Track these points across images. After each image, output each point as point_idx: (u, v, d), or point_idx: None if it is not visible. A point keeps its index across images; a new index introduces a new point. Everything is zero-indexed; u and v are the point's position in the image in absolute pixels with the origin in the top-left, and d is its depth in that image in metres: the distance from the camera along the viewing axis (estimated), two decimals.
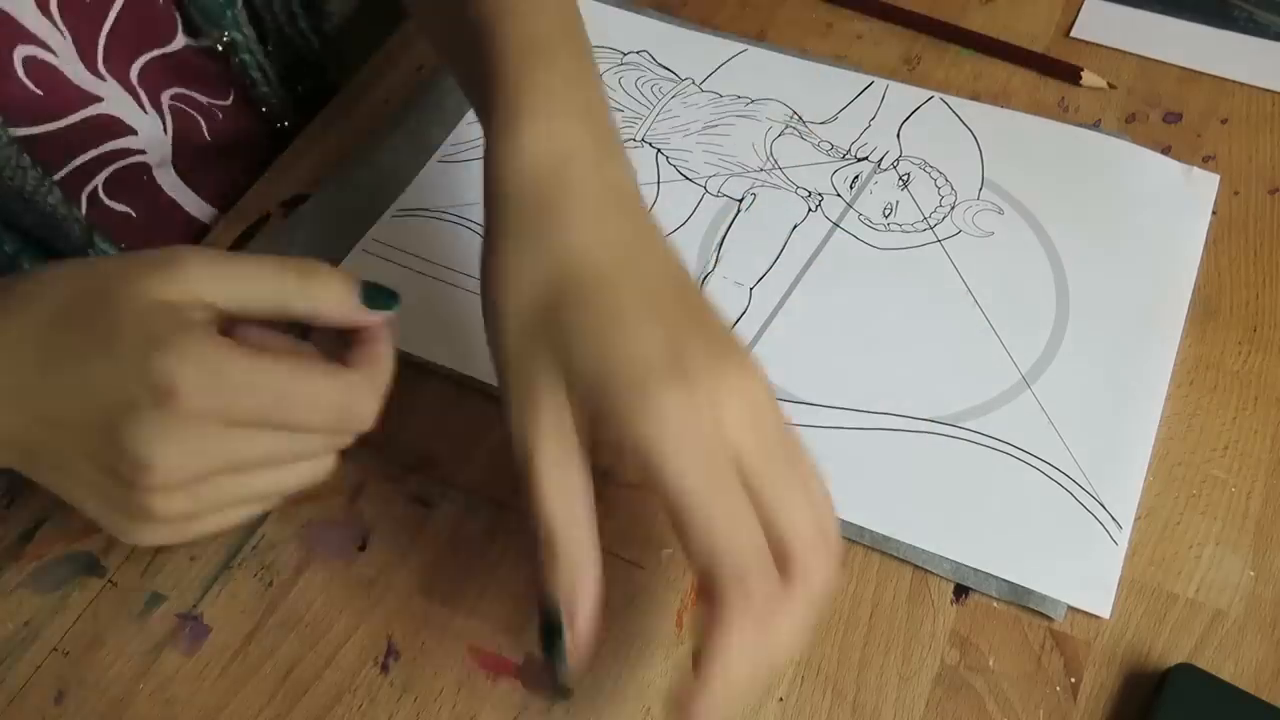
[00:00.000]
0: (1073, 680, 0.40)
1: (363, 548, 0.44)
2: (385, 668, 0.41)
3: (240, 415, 0.33)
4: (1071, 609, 0.42)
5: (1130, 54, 0.61)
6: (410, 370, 0.48)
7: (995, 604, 0.42)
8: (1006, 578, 0.42)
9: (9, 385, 0.35)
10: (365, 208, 0.54)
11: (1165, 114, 0.58)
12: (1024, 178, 0.55)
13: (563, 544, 0.34)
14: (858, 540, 0.44)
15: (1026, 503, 0.44)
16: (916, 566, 0.43)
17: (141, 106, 0.53)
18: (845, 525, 0.44)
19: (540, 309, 0.35)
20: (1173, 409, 0.47)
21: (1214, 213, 0.54)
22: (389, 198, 0.55)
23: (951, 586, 0.42)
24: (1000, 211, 0.54)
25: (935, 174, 0.55)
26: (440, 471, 0.45)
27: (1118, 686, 0.40)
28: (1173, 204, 0.54)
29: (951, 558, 0.43)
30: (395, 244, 0.53)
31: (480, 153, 0.56)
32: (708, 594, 0.32)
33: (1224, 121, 0.58)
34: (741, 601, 0.31)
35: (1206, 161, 0.56)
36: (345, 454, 0.46)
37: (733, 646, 0.31)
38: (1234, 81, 0.59)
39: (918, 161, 0.56)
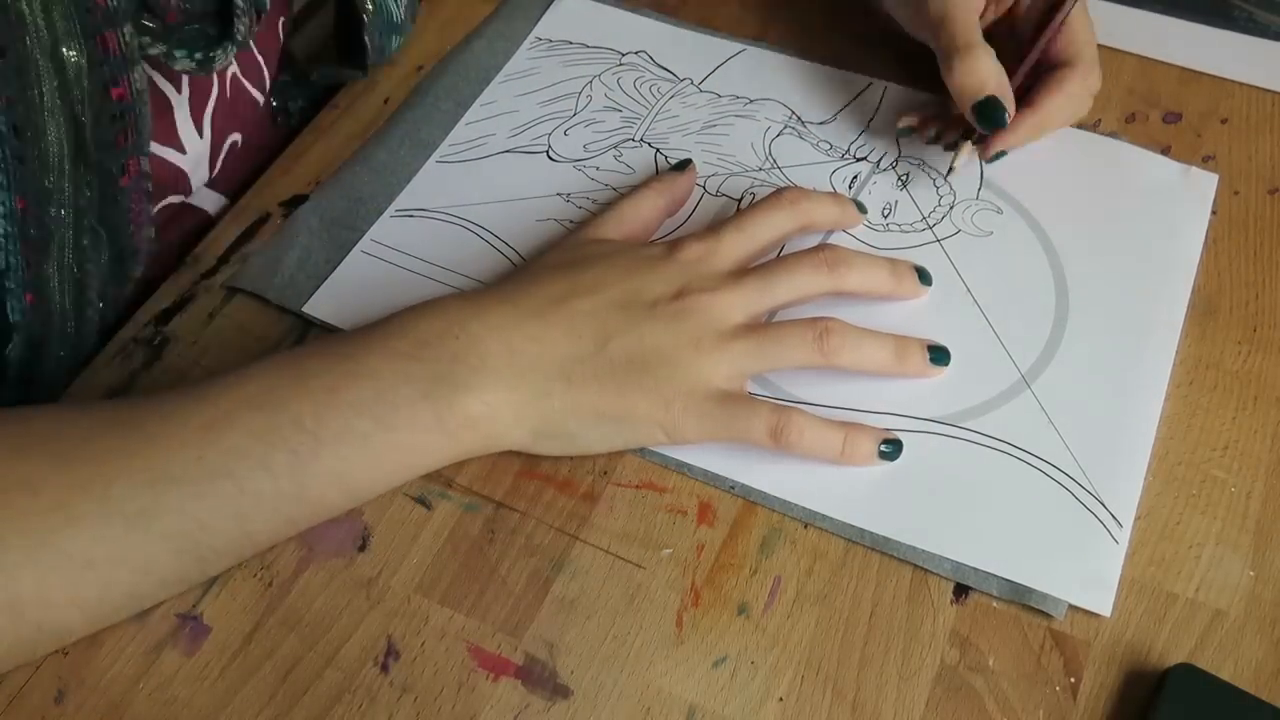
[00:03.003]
0: (1072, 680, 0.40)
1: (363, 548, 0.44)
2: (385, 668, 0.41)
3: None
4: (1072, 608, 0.42)
5: (1130, 54, 0.61)
6: None
7: (995, 604, 0.42)
8: (1007, 577, 0.42)
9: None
10: (364, 208, 0.55)
11: (1165, 114, 0.58)
12: (1022, 178, 0.55)
13: (976, 53, 0.51)
14: (858, 541, 0.44)
15: (1027, 502, 0.44)
16: (916, 566, 0.43)
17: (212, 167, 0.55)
18: (845, 526, 0.44)
19: None
20: (1173, 409, 0.47)
21: (1214, 212, 0.54)
22: (387, 198, 0.55)
23: (951, 586, 0.42)
24: (999, 211, 0.54)
25: (934, 174, 0.55)
26: (440, 471, 0.45)
27: (1117, 686, 0.40)
28: (1172, 203, 0.54)
29: (952, 557, 0.43)
30: (394, 244, 0.53)
31: (478, 154, 0.57)
32: (1060, 73, 0.53)
33: (1224, 121, 0.58)
34: (1087, 76, 0.53)
35: (1206, 161, 0.56)
36: None
37: (1070, 95, 0.53)
38: (1234, 82, 0.59)
39: (916, 161, 0.56)
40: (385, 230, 0.54)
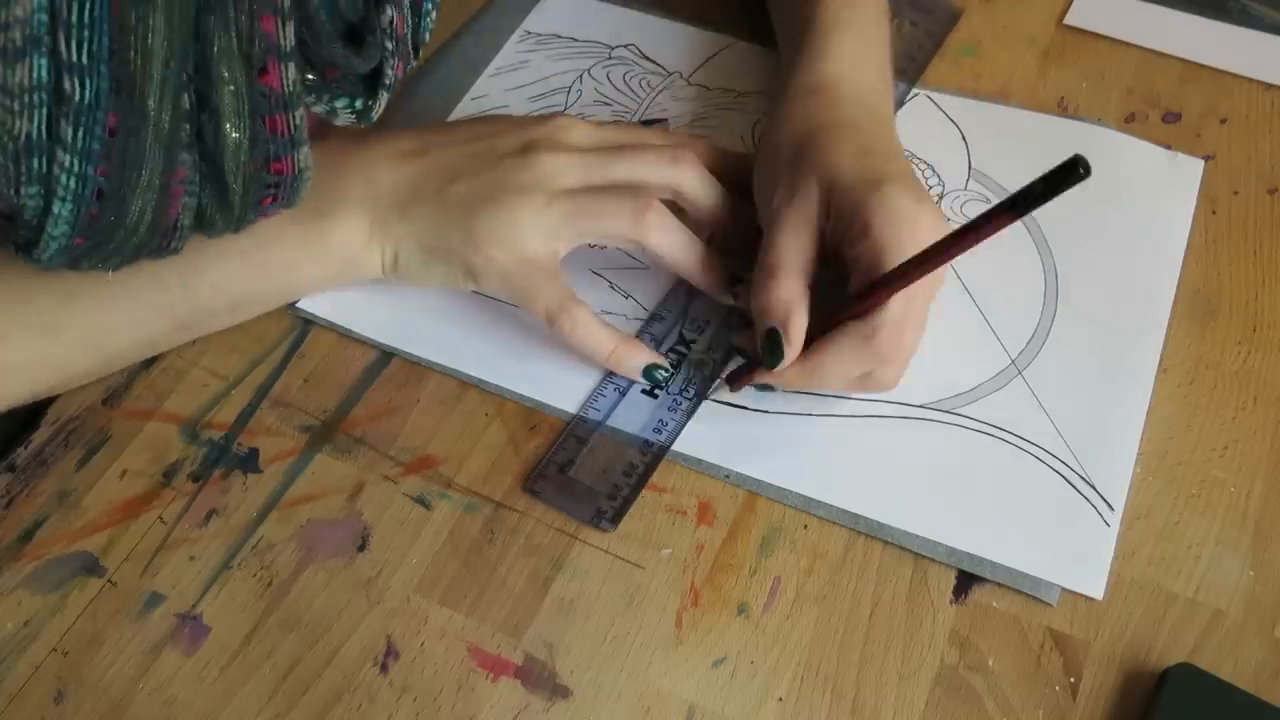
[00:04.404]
0: (1072, 680, 0.40)
1: (363, 548, 0.44)
2: (385, 668, 0.41)
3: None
4: (1068, 595, 0.42)
5: (1125, 44, 0.61)
6: (410, 370, 0.49)
7: (995, 604, 0.42)
8: (1000, 562, 0.42)
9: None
10: None
11: (1165, 114, 0.58)
12: (1010, 166, 0.55)
13: (784, 277, 0.44)
14: (853, 527, 0.44)
15: (1019, 487, 0.45)
16: (916, 565, 0.43)
17: None
18: (839, 512, 0.44)
19: (808, 137, 0.47)
20: (1172, 408, 0.47)
21: (1213, 212, 0.54)
22: None
23: (951, 586, 0.42)
24: (988, 201, 0.54)
25: (922, 165, 0.56)
26: (440, 471, 0.45)
27: (1117, 686, 0.40)
28: (1158, 189, 0.54)
29: (945, 543, 0.43)
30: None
31: None
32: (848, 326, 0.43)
33: (1223, 121, 0.58)
34: (870, 338, 0.43)
35: (1207, 161, 0.56)
36: (345, 454, 0.46)
37: (840, 356, 0.43)
38: (1233, 79, 0.59)
39: (905, 153, 0.56)
40: None
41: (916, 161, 0.56)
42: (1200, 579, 0.43)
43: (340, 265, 0.48)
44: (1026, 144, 0.56)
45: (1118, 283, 0.51)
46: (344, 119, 0.45)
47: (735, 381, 0.47)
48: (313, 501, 0.45)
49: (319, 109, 0.44)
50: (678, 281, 0.51)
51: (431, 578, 0.43)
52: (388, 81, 0.45)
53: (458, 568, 0.43)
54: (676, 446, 0.46)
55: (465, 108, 0.59)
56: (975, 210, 0.54)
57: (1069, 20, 0.62)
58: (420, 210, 0.47)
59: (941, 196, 0.54)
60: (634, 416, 0.47)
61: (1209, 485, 0.45)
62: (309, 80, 0.43)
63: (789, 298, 0.43)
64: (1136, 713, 0.40)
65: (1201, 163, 0.55)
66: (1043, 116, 0.57)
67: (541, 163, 0.47)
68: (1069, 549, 0.43)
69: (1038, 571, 0.42)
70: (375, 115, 0.45)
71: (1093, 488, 0.44)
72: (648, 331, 0.49)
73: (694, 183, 0.48)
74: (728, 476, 0.45)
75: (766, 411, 0.47)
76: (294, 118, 0.40)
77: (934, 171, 0.55)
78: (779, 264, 0.44)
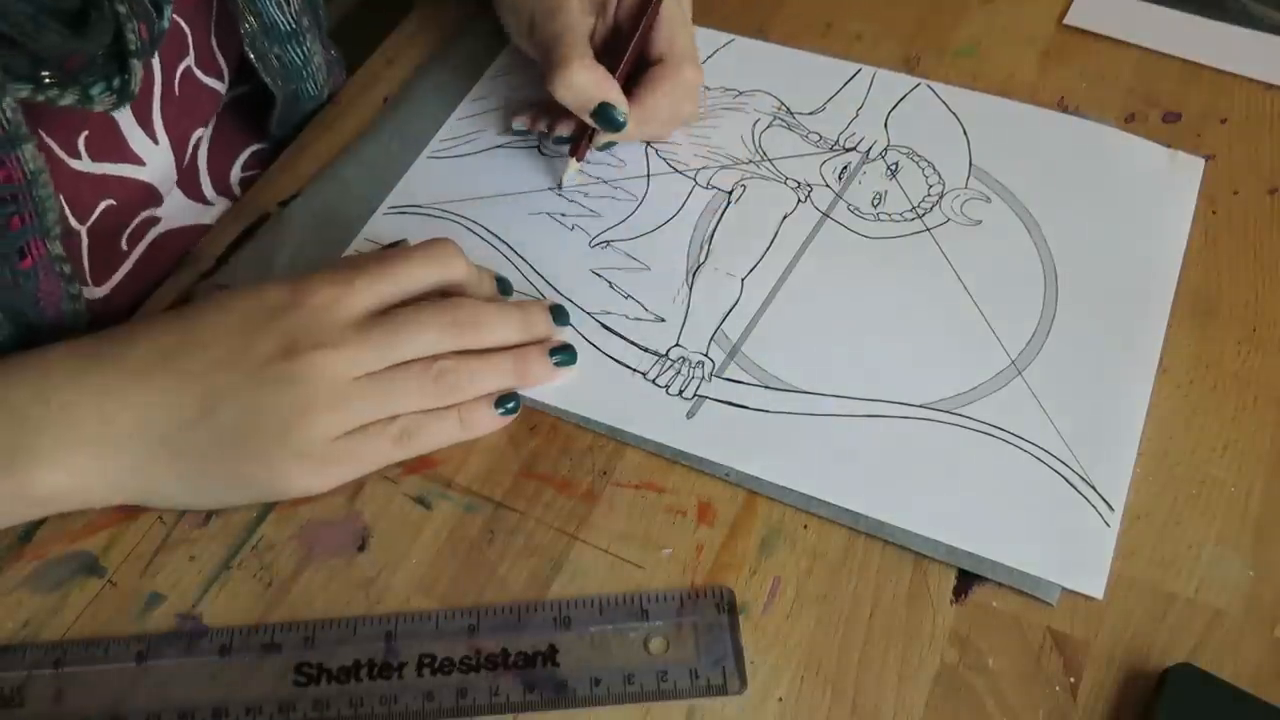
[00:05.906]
0: (1072, 680, 0.40)
1: (362, 548, 0.44)
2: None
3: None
4: (1068, 596, 0.42)
5: (1125, 44, 0.61)
6: None
7: (995, 604, 0.42)
8: (1001, 561, 0.43)
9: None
10: (357, 205, 0.54)
11: (1165, 114, 0.58)
12: (1010, 164, 0.55)
13: (579, 64, 0.51)
14: (853, 527, 0.44)
15: (1019, 487, 0.45)
16: (916, 565, 0.43)
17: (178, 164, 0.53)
18: (839, 512, 0.44)
19: None
20: (1172, 408, 0.47)
21: (1214, 212, 0.54)
22: (380, 195, 0.55)
23: (951, 586, 0.42)
24: (988, 200, 0.54)
25: (923, 163, 0.56)
26: (440, 471, 0.45)
27: (1117, 686, 0.40)
28: (1158, 188, 0.54)
29: (946, 542, 0.43)
30: (388, 242, 0.53)
31: (470, 149, 0.57)
32: (654, 70, 0.53)
33: (1223, 121, 0.58)
34: (679, 71, 0.53)
35: (1206, 161, 0.56)
36: None
37: (663, 93, 0.53)
38: (1233, 79, 0.59)
39: (905, 150, 0.56)
40: (379, 228, 0.54)
41: (916, 160, 0.56)
42: (1200, 579, 0.43)
43: (68, 507, 0.43)
44: (1028, 141, 0.56)
45: (1118, 283, 0.51)
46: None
47: (576, 150, 0.54)
48: (313, 501, 0.45)
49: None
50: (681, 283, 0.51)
51: (432, 578, 0.43)
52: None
53: (458, 568, 0.43)
54: (677, 445, 0.46)
55: (466, 109, 0.59)
56: (975, 209, 0.54)
57: (1069, 20, 0.62)
58: (192, 446, 0.42)
59: (942, 195, 0.54)
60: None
61: (1209, 485, 0.45)
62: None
63: (592, 77, 0.51)
64: (1136, 713, 0.40)
65: (1202, 162, 0.55)
66: (1044, 112, 0.57)
67: (315, 371, 0.42)
68: (1069, 549, 0.43)
69: (1038, 571, 0.42)
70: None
71: (1092, 488, 0.44)
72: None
73: (490, 338, 0.46)
74: (728, 475, 0.45)
75: (766, 411, 0.47)
76: (3, 109, 0.37)
77: (934, 169, 0.55)
78: (568, 58, 0.51)
